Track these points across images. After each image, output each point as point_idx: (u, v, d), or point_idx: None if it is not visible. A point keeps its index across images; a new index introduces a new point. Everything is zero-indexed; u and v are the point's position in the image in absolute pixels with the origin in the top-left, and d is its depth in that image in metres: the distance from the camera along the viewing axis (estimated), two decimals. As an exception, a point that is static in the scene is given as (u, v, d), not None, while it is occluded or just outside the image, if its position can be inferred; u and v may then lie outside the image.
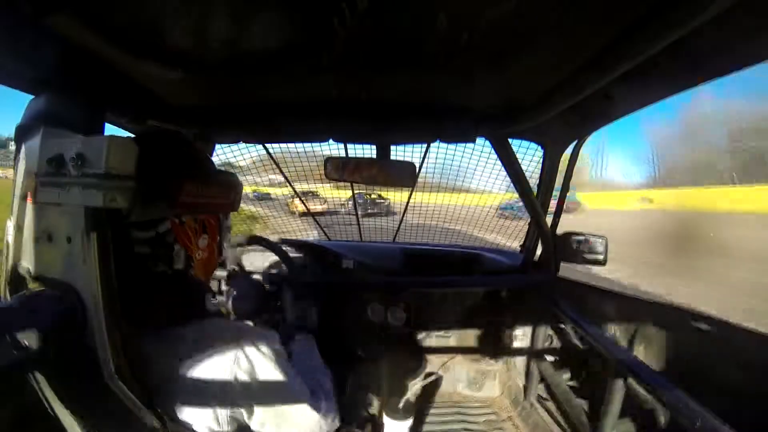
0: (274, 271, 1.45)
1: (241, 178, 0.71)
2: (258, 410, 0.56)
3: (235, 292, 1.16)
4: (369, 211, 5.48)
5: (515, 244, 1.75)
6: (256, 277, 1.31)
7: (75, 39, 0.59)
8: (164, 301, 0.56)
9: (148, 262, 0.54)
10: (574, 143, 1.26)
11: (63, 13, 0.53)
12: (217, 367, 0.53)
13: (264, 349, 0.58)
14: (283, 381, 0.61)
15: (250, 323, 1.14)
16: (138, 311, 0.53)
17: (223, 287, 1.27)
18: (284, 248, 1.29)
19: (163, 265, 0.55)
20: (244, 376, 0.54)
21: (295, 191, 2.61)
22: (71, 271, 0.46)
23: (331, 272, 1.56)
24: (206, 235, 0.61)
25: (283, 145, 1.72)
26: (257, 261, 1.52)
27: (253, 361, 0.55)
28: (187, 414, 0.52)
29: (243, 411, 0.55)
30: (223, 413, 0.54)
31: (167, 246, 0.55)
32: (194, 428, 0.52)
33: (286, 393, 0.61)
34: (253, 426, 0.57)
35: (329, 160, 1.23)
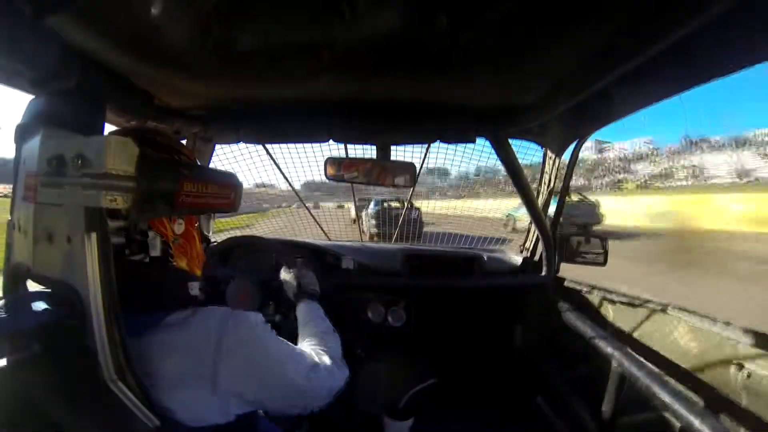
0: (271, 271, 1.45)
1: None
2: (252, 390, 0.56)
3: (233, 291, 1.16)
4: (380, 230, 4.11)
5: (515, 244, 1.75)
6: (254, 277, 1.31)
7: (75, 39, 0.59)
8: (144, 289, 0.56)
9: (124, 251, 0.54)
10: (575, 143, 1.26)
11: (63, 13, 0.53)
12: (200, 349, 0.53)
13: (246, 329, 0.58)
14: (275, 356, 0.61)
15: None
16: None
17: (222, 286, 1.27)
18: (283, 248, 1.29)
19: (139, 252, 0.55)
20: (231, 360, 0.54)
21: (296, 192, 2.61)
22: (71, 271, 0.46)
23: (331, 272, 1.56)
24: (182, 221, 0.60)
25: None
26: (255, 260, 1.52)
27: (238, 343, 0.55)
28: (176, 407, 0.52)
29: (237, 395, 0.55)
30: (214, 399, 0.53)
31: (141, 233, 0.55)
32: (188, 421, 0.52)
33: (280, 367, 0.61)
34: (252, 405, 0.58)
35: (329, 161, 1.23)
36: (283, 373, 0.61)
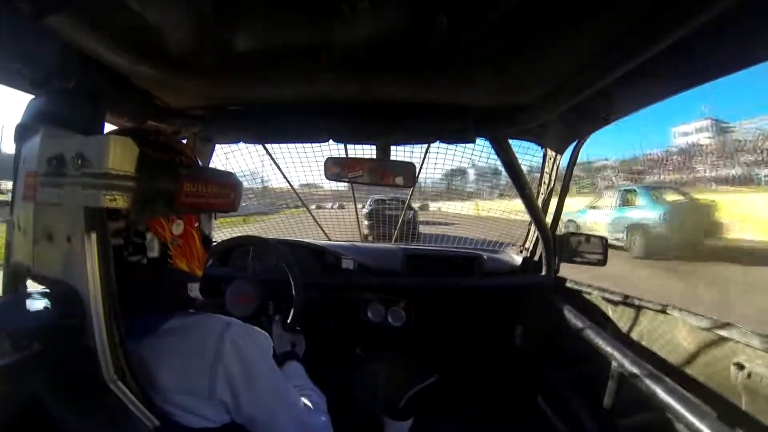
0: (271, 272, 1.45)
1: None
2: (247, 409, 0.56)
3: (233, 292, 1.16)
4: (372, 231, 3.94)
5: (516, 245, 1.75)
6: (254, 278, 1.31)
7: (74, 39, 0.59)
8: (142, 290, 0.55)
9: (122, 253, 0.53)
10: (575, 143, 1.26)
11: (62, 13, 0.53)
12: (199, 360, 0.53)
13: (251, 342, 0.58)
14: (275, 381, 0.61)
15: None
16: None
17: (222, 287, 1.26)
18: (283, 248, 1.29)
19: (137, 254, 0.55)
20: (231, 371, 0.53)
21: (295, 192, 2.61)
22: (71, 271, 0.46)
23: (331, 273, 1.56)
24: (181, 221, 0.59)
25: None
26: (255, 262, 1.52)
27: (238, 351, 0.55)
28: (174, 410, 0.52)
29: (232, 407, 0.55)
30: (211, 408, 0.53)
31: (139, 234, 0.55)
32: (186, 423, 0.52)
33: (279, 394, 0.61)
34: (242, 422, 0.57)
35: (329, 160, 1.23)
36: (279, 392, 0.61)
